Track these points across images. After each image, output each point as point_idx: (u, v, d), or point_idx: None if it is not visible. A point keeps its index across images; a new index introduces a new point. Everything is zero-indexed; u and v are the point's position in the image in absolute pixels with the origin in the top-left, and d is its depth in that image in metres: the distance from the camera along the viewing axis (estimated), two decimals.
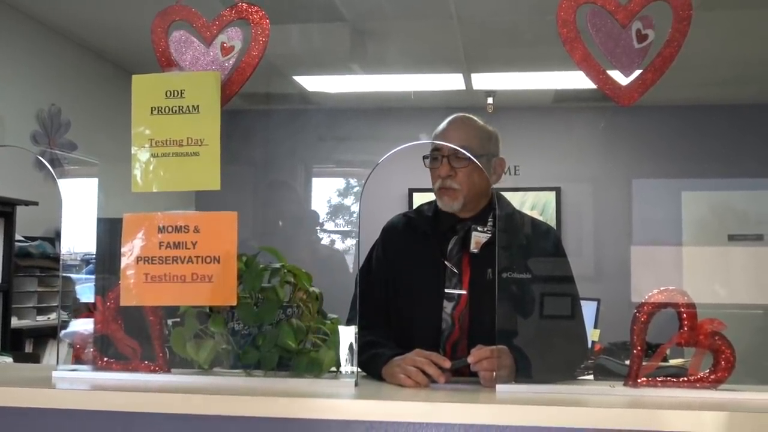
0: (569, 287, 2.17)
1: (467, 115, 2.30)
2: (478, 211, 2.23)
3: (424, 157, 2.25)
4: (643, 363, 1.68)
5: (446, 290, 2.17)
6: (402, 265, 2.24)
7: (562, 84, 6.09)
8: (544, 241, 2.26)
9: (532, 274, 2.09)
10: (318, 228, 6.38)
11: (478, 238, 2.17)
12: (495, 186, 2.26)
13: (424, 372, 1.82)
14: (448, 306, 2.16)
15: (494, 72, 6.07)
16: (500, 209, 2.22)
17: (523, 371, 1.81)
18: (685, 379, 1.66)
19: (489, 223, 2.20)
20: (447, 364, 1.84)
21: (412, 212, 2.36)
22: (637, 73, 1.75)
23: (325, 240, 6.28)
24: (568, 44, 1.77)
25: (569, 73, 5.62)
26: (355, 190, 7.05)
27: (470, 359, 1.81)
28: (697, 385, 1.64)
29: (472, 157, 2.06)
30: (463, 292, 2.16)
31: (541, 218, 6.74)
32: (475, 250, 2.16)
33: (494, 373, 1.77)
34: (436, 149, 2.20)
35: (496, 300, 1.82)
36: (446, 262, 2.19)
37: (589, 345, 4.06)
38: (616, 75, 1.77)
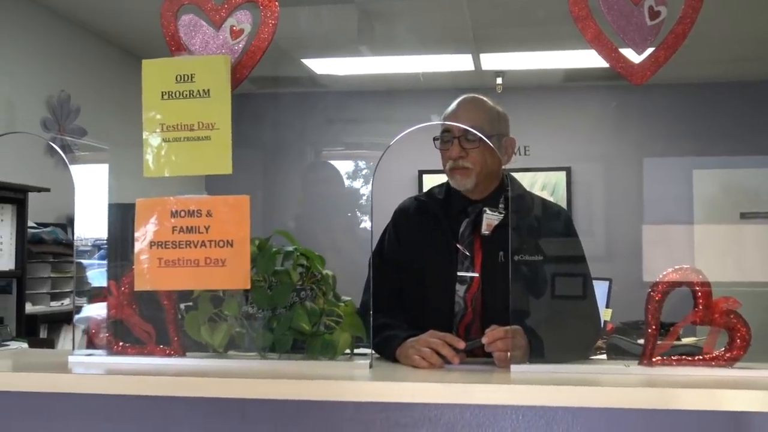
0: (581, 267, 2.16)
1: (477, 95, 2.29)
2: (489, 192, 2.23)
3: (435, 139, 2.24)
4: (658, 342, 1.67)
5: (458, 273, 2.17)
6: (414, 248, 2.24)
7: (572, 63, 6.05)
8: (555, 222, 2.26)
9: (544, 255, 2.08)
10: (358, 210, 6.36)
11: (490, 220, 2.16)
12: (506, 166, 2.26)
13: (438, 353, 1.83)
14: (460, 289, 2.16)
15: (503, 52, 6.04)
16: (512, 191, 2.21)
17: (537, 352, 1.81)
18: (701, 357, 1.65)
19: (500, 205, 2.19)
20: (461, 344, 1.84)
21: (423, 195, 2.35)
22: (650, 50, 1.74)
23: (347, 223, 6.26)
24: (579, 22, 1.76)
25: (579, 52, 5.58)
26: (364, 172, 7.04)
27: (484, 340, 1.81)
28: (713, 363, 1.63)
29: (482, 136, 2.06)
30: (476, 274, 2.15)
31: (551, 199, 6.74)
32: (487, 232, 2.15)
33: (508, 354, 1.77)
34: (446, 130, 2.19)
35: (508, 282, 1.82)
36: (458, 245, 2.18)
37: (602, 325, 4.07)
38: (628, 53, 1.76)
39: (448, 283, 2.17)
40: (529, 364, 1.74)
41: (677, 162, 6.24)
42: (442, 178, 2.33)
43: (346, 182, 7.09)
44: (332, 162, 7.38)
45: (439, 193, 2.30)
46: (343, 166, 7.23)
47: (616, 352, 2.32)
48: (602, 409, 1.55)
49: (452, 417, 1.63)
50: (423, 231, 2.26)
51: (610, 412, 1.56)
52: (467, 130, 2.13)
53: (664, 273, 1.66)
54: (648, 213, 6.19)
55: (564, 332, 1.95)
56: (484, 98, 2.30)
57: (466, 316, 2.15)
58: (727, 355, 1.63)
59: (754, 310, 1.75)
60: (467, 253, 2.18)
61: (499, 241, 2.12)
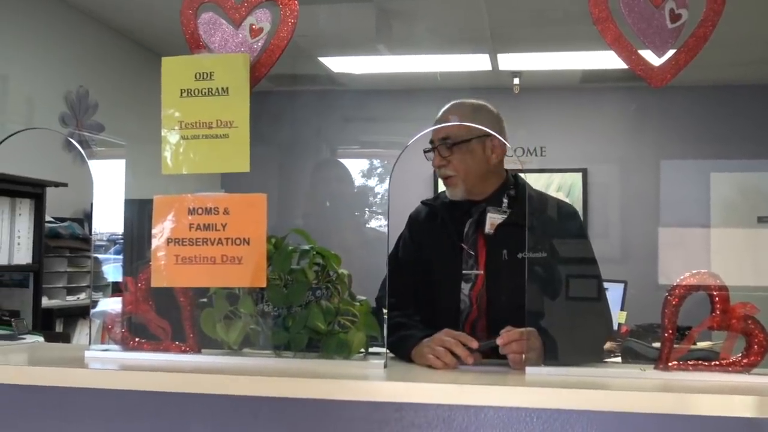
0: (590, 265, 2.17)
1: (462, 100, 2.31)
2: (491, 192, 2.25)
3: (425, 152, 2.31)
4: (674, 346, 1.67)
5: (463, 271, 2.20)
6: (424, 251, 2.28)
7: (589, 64, 6.03)
8: (563, 219, 2.27)
9: (553, 253, 2.09)
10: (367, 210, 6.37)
11: (493, 219, 2.20)
12: (520, 167, 2.27)
13: (452, 353, 1.83)
14: (465, 287, 2.19)
15: (521, 52, 6.02)
16: (518, 190, 2.24)
17: (551, 353, 1.81)
18: (717, 362, 1.64)
19: (504, 204, 2.22)
20: (474, 344, 1.84)
21: (431, 199, 2.41)
22: (670, 53, 1.73)
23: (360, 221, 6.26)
24: (599, 24, 1.75)
25: (597, 53, 5.56)
26: (379, 171, 7.04)
27: (499, 341, 1.81)
28: (730, 369, 1.62)
29: (462, 139, 2.13)
30: (480, 272, 2.19)
31: (567, 200, 6.70)
32: (490, 231, 2.19)
33: (523, 356, 1.76)
34: (430, 142, 2.25)
35: (512, 279, 1.86)
36: (462, 245, 2.21)
37: (616, 327, 4.05)
38: (648, 55, 1.75)
39: (454, 282, 2.20)
40: (544, 366, 1.73)
41: (695, 165, 6.21)
42: None
43: (362, 181, 7.09)
44: (347, 160, 7.38)
45: (445, 196, 2.34)
46: (359, 165, 7.24)
47: (631, 356, 2.32)
48: (618, 413, 1.54)
49: (466, 418, 1.62)
50: (432, 234, 2.30)
51: (626, 416, 1.55)
52: (445, 138, 2.20)
53: (682, 277, 1.65)
54: (664, 216, 6.17)
55: (575, 332, 1.95)
56: (469, 101, 2.31)
57: (471, 313, 2.18)
58: (745, 360, 1.62)
59: None
60: (471, 252, 2.21)
61: (503, 239, 2.16)
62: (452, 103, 2.31)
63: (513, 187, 2.26)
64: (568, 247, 2.19)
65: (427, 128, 2.21)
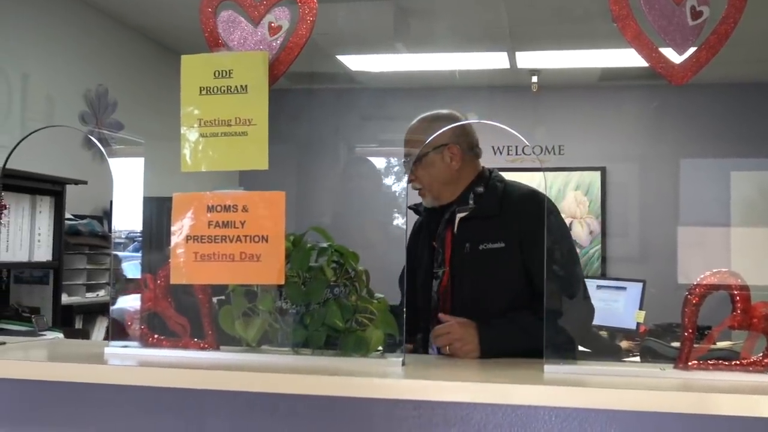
0: (562, 246, 2.19)
1: (420, 116, 2.39)
2: (459, 193, 2.31)
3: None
4: (694, 346, 1.65)
5: (434, 270, 2.29)
6: (410, 256, 2.38)
7: (608, 62, 5.99)
8: (529, 207, 2.24)
9: (505, 243, 2.15)
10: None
11: (461, 215, 2.28)
12: (539, 165, 2.30)
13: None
14: (435, 284, 2.27)
15: (539, 50, 6.00)
16: (486, 185, 2.29)
17: (572, 347, 1.84)
18: (738, 362, 1.63)
19: (471, 201, 2.28)
20: None
21: (412, 206, 2.47)
22: (691, 51, 1.71)
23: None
24: (620, 21, 1.74)
25: (615, 51, 5.53)
26: (396, 170, 7.03)
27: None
28: (751, 368, 1.61)
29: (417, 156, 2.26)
30: (446, 269, 2.26)
31: (585, 198, 6.65)
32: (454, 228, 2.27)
33: (448, 348, 1.98)
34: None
35: (474, 272, 2.04)
36: (434, 243, 2.31)
37: (635, 326, 4.03)
38: (669, 53, 1.74)
39: (426, 280, 2.30)
40: (563, 364, 1.72)
41: (715, 163, 6.16)
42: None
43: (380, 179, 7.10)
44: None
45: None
46: (377, 164, 7.24)
47: (650, 355, 2.31)
48: (637, 412, 1.53)
49: (484, 416, 1.62)
50: (415, 238, 2.42)
51: (645, 416, 1.54)
52: (407, 156, 2.32)
53: (702, 276, 1.64)
54: (684, 215, 6.12)
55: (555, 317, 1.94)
56: (430, 113, 2.39)
57: (439, 309, 2.23)
58: (766, 360, 1.61)
59: None
60: (440, 250, 2.28)
61: (465, 233, 2.24)
62: (414, 120, 2.39)
63: (483, 184, 2.29)
64: (535, 234, 2.11)
65: (444, 127, 2.22)
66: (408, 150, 2.32)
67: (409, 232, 2.46)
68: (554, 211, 2.30)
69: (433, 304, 2.26)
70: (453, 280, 2.24)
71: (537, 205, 2.20)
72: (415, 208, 2.44)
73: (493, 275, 2.14)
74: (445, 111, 2.36)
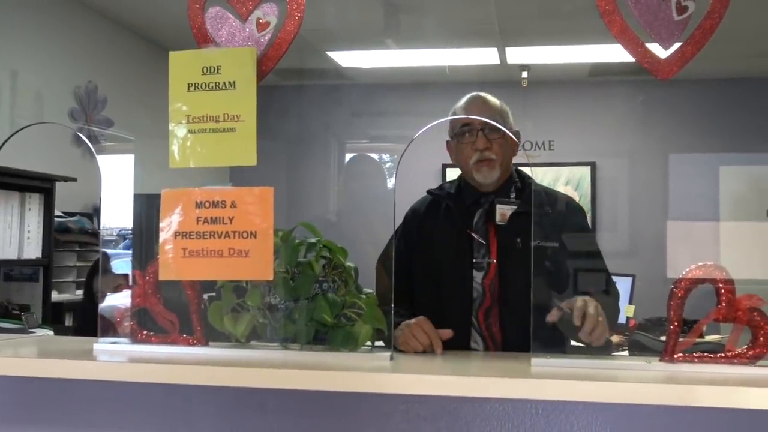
0: (597, 255, 2.27)
1: (485, 95, 2.35)
2: (500, 185, 2.30)
3: (452, 137, 2.29)
4: (680, 339, 1.67)
5: (474, 260, 2.24)
6: (427, 243, 2.32)
7: (598, 57, 6.01)
8: (570, 212, 2.33)
9: (561, 243, 2.13)
10: None
11: (503, 210, 2.24)
12: (528, 161, 2.31)
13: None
14: (477, 276, 2.23)
15: (529, 46, 6.01)
16: (522, 182, 2.31)
17: (561, 340, 1.84)
18: (723, 355, 1.64)
19: (512, 196, 2.27)
20: (448, 335, 1.93)
21: (435, 189, 2.44)
22: (677, 45, 1.72)
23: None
24: (606, 17, 1.75)
25: (605, 47, 5.54)
26: (388, 165, 7.04)
27: (583, 336, 1.85)
28: (735, 361, 1.62)
29: (505, 129, 2.18)
30: (493, 261, 2.22)
31: (575, 194, 6.67)
32: (502, 222, 2.23)
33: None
34: (465, 125, 2.25)
35: (525, 267, 1.85)
36: (473, 234, 2.25)
37: (624, 321, 4.05)
38: (655, 48, 1.75)
39: (465, 270, 2.24)
40: (550, 358, 1.74)
41: (703, 158, 6.18)
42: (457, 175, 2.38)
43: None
44: (352, 155, 7.39)
45: (450, 187, 2.39)
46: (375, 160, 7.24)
47: (639, 349, 2.32)
48: (622, 404, 1.54)
49: (472, 410, 1.63)
50: (436, 224, 2.34)
51: (631, 408, 1.55)
52: (487, 123, 2.21)
53: (687, 270, 1.65)
54: (673, 209, 6.14)
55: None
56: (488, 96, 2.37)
57: (484, 301, 2.21)
58: (750, 352, 1.62)
59: None
60: (482, 242, 2.24)
61: (513, 229, 2.20)
62: (480, 94, 2.34)
63: (518, 180, 2.31)
64: (577, 240, 2.24)
65: (434, 121, 2.21)
66: (491, 117, 2.24)
67: (411, 216, 2.40)
68: (587, 222, 2.37)
69: (476, 295, 2.22)
70: (501, 273, 2.21)
71: (577, 209, 2.37)
72: (436, 194, 2.39)
73: (547, 273, 2.13)
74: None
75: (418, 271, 2.30)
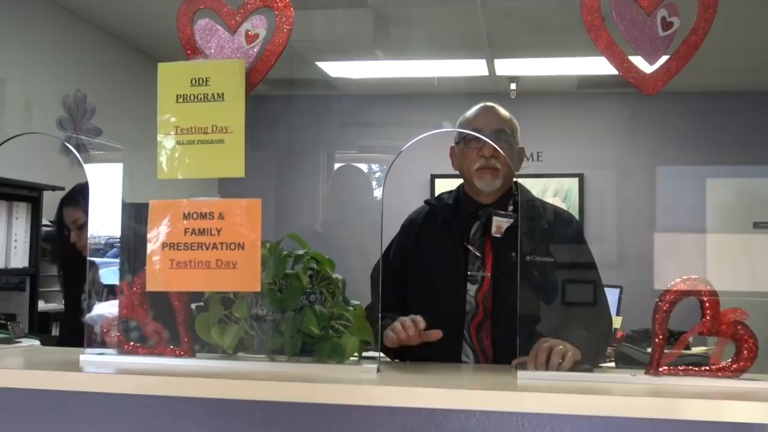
0: (591, 271, 2.23)
1: (494, 104, 2.36)
2: (499, 197, 2.28)
3: (458, 141, 2.29)
4: (666, 351, 1.68)
5: (469, 273, 2.22)
6: (423, 253, 2.30)
7: (586, 70, 6.04)
8: (566, 227, 2.31)
9: (554, 258, 2.13)
10: None
11: (500, 223, 2.22)
12: (517, 173, 2.31)
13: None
14: (471, 288, 2.22)
15: (517, 58, 6.04)
16: (521, 195, 2.27)
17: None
18: (707, 368, 1.65)
19: (510, 209, 2.25)
20: (422, 325, 1.98)
21: (433, 199, 2.43)
22: (662, 60, 1.74)
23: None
24: (592, 31, 1.77)
25: (593, 59, 5.57)
26: (377, 176, 7.05)
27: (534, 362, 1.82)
28: (719, 374, 1.64)
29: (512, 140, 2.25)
30: (487, 274, 2.21)
31: (563, 205, 6.70)
32: (497, 234, 2.21)
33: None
34: (475, 130, 2.25)
35: (519, 282, 1.86)
36: (469, 246, 2.24)
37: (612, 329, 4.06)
38: (641, 63, 1.76)
39: (459, 282, 2.22)
40: (535, 371, 1.75)
41: (691, 170, 6.23)
42: (455, 183, 2.37)
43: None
44: (341, 165, 7.39)
45: (448, 198, 2.37)
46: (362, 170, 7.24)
47: (625, 361, 2.32)
48: (607, 417, 1.55)
49: (458, 423, 1.64)
50: (432, 235, 2.32)
51: (616, 421, 1.56)
52: (497, 131, 2.23)
53: (673, 283, 1.67)
54: (660, 221, 6.18)
55: (577, 334, 1.96)
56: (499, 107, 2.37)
57: (477, 315, 2.20)
58: (734, 366, 1.63)
59: (764, 322, 1.75)
60: (478, 254, 2.23)
61: (511, 242, 2.18)
62: (489, 104, 2.34)
63: (517, 194, 2.30)
64: (574, 255, 2.24)
65: (423, 133, 2.21)
66: (499, 126, 2.27)
67: (408, 226, 2.39)
68: (584, 237, 2.35)
69: (470, 308, 2.21)
70: (495, 287, 2.20)
71: (574, 228, 2.35)
72: (434, 204, 2.38)
73: (540, 288, 2.13)
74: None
75: (412, 281, 2.30)
